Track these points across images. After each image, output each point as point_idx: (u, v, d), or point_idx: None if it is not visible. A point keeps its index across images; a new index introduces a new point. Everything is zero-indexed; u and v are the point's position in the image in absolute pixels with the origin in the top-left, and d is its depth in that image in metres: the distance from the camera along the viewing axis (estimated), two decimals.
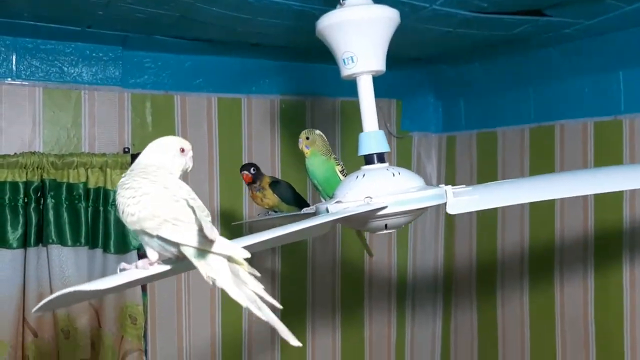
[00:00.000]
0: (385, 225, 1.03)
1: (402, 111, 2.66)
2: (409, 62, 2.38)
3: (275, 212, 1.61)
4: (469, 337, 2.56)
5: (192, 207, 0.82)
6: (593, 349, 2.05)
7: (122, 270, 0.86)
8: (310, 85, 2.43)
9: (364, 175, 1.04)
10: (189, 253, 0.79)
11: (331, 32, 1.06)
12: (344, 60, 1.06)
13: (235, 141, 2.30)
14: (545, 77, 2.16)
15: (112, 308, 1.99)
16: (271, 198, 1.62)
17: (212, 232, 0.75)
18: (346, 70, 1.07)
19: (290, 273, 2.42)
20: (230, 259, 0.78)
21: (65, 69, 2.00)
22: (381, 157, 1.08)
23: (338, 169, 1.38)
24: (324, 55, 2.23)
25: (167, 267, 0.85)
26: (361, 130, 1.09)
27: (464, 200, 1.01)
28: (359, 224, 1.03)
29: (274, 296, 2.37)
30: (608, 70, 1.97)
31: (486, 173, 2.47)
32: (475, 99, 2.52)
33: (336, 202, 1.02)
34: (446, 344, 2.68)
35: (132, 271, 0.85)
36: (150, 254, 0.86)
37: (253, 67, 2.27)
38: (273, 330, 2.58)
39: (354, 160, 2.48)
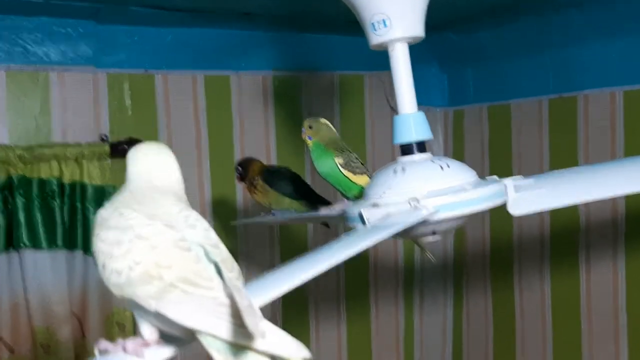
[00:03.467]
0: (433, 231, 0.82)
1: None
2: None
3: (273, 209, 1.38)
4: (482, 327, 2.40)
5: (214, 263, 0.55)
6: (625, 342, 1.89)
7: (102, 353, 0.58)
8: (306, 59, 2.22)
9: (403, 170, 0.83)
10: (211, 345, 0.53)
11: None
12: (373, 24, 0.85)
13: (225, 124, 2.09)
14: (566, 42, 1.97)
15: (97, 316, 1.81)
16: (265, 193, 1.37)
17: (254, 318, 0.48)
18: (376, 38, 0.86)
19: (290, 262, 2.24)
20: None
21: (30, 48, 1.79)
22: (422, 146, 0.87)
23: (338, 161, 1.15)
24: (322, 24, 2.04)
25: (171, 353, 0.58)
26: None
27: (529, 196, 0.81)
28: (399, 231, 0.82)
29: None
30: (639, 32, 1.77)
31: (499, 152, 2.28)
32: (485, 69, 2.31)
33: (371, 204, 0.81)
34: (458, 334, 2.52)
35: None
36: (146, 330, 0.57)
37: (242, 39, 2.06)
38: (274, 324, 2.37)
39: (358, 146, 2.32)
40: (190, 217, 0.60)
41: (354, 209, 0.83)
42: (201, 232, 0.58)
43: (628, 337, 1.89)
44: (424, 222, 0.79)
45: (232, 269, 0.56)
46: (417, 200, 0.77)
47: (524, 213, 0.79)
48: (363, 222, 0.80)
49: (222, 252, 0.57)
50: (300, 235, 2.24)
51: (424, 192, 0.79)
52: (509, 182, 0.83)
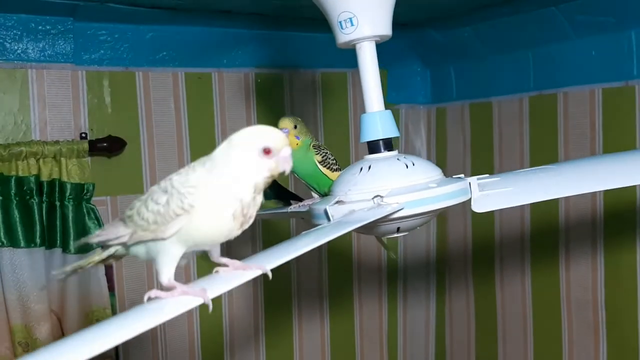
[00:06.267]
0: (398, 228, 0.83)
1: (387, 82, 2.46)
2: (394, 28, 2.17)
3: None
4: (464, 322, 2.41)
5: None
6: (604, 336, 1.91)
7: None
8: (288, 57, 2.21)
9: (369, 168, 0.84)
10: None
11: None
12: (340, 23, 0.85)
13: (207, 122, 2.08)
14: (546, 40, 1.98)
15: (76, 313, 1.79)
16: None
17: None
18: (343, 36, 0.86)
19: None
20: None
21: (8, 45, 1.77)
22: (389, 144, 0.87)
23: (317, 159, 1.13)
24: (303, 22, 2.04)
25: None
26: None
27: (493, 194, 0.82)
28: (364, 228, 0.83)
29: (255, 284, 2.12)
30: (618, 30, 1.78)
31: (481, 148, 2.28)
32: (467, 67, 2.32)
33: (336, 202, 0.82)
34: (441, 330, 2.53)
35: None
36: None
37: (223, 37, 2.05)
38: (257, 322, 2.34)
39: (341, 144, 2.32)
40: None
41: (319, 206, 0.83)
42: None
43: (607, 331, 1.90)
44: (388, 219, 0.80)
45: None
46: (381, 197, 0.78)
47: (486, 210, 0.80)
48: (328, 219, 0.81)
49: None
50: (283, 230, 2.25)
51: (388, 189, 0.79)
52: (473, 180, 0.84)
